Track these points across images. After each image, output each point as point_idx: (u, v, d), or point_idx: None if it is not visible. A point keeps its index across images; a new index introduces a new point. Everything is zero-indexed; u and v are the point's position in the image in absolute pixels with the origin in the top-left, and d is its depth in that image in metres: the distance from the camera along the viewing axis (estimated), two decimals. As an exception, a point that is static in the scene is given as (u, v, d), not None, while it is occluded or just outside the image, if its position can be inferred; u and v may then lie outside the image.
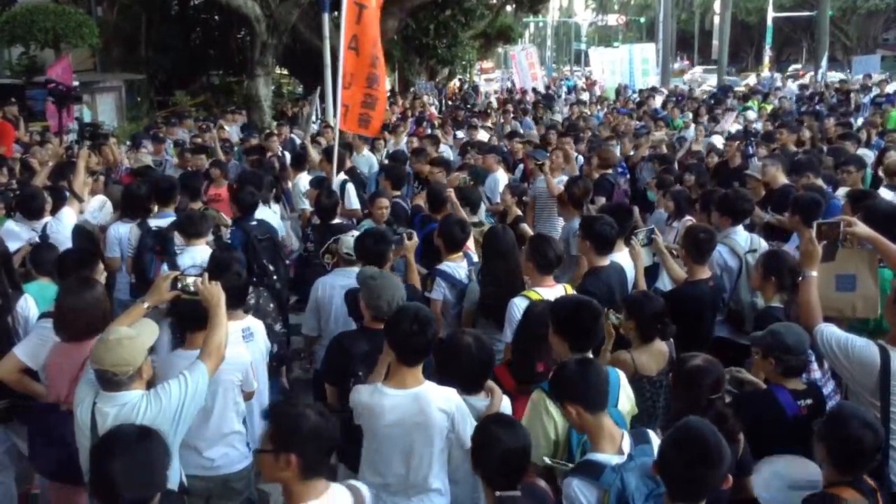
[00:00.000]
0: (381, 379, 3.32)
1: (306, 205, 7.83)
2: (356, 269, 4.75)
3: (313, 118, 13.47)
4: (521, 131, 13.40)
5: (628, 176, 9.86)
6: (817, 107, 17.22)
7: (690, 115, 15.86)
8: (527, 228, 6.68)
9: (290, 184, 9.19)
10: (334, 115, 9.01)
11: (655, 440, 2.98)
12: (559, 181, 7.54)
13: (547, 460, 3.19)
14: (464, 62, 34.62)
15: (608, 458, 2.83)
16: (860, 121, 13.68)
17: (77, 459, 3.19)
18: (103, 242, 6.15)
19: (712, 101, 18.48)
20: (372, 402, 3.23)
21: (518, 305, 4.25)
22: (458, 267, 5.12)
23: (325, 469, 2.66)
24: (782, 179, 7.02)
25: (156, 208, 6.18)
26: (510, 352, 4.20)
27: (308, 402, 2.99)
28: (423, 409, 3.20)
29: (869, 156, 9.04)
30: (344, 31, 7.79)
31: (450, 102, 27.08)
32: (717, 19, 46.33)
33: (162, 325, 3.70)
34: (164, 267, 5.41)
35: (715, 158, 9.29)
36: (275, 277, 5.89)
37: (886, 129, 12.45)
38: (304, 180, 8.32)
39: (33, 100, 14.97)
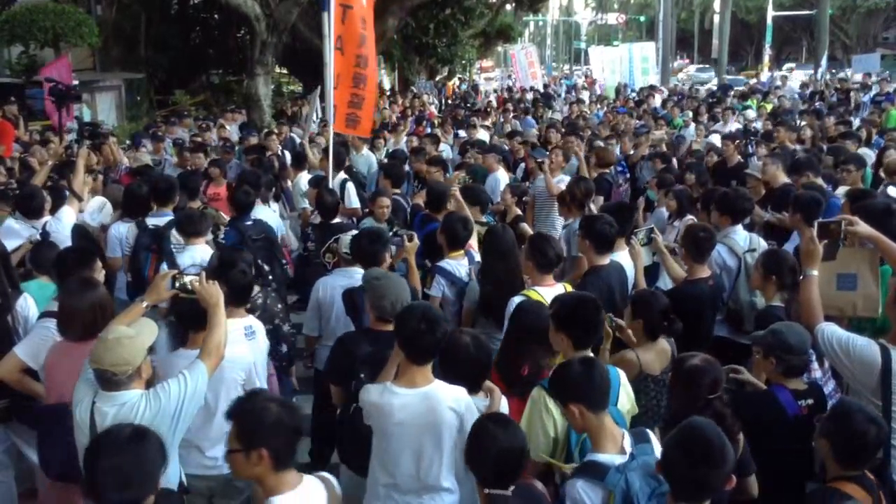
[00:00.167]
0: (391, 378, 3.31)
1: (306, 204, 7.83)
2: (356, 269, 4.76)
3: (313, 117, 13.44)
4: (522, 130, 13.40)
5: (628, 175, 9.86)
6: (817, 105, 17.20)
7: (690, 114, 15.86)
8: (526, 228, 6.67)
9: (289, 183, 9.19)
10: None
11: (655, 439, 2.99)
12: (559, 180, 7.55)
13: (545, 457, 3.19)
14: (463, 61, 34.61)
15: (611, 458, 2.83)
16: (857, 121, 13.66)
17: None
18: (104, 242, 6.15)
19: (712, 100, 18.47)
20: (381, 401, 3.22)
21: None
22: (458, 265, 5.11)
23: (294, 460, 2.68)
24: (782, 178, 7.02)
25: (155, 207, 6.18)
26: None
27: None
28: (433, 408, 3.19)
29: (870, 155, 9.03)
30: (332, 32, 7.81)
31: (449, 102, 27.07)
32: (716, 18, 46.35)
33: (160, 324, 3.69)
34: (164, 266, 5.41)
35: (715, 157, 9.29)
36: (270, 277, 5.89)
37: (886, 127, 12.44)
38: (304, 179, 8.32)
39: (33, 99, 14.95)
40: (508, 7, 34.03)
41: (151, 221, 5.94)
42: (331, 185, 7.63)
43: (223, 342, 3.39)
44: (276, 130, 12.48)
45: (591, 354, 3.45)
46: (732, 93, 20.66)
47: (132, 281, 5.85)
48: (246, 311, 4.27)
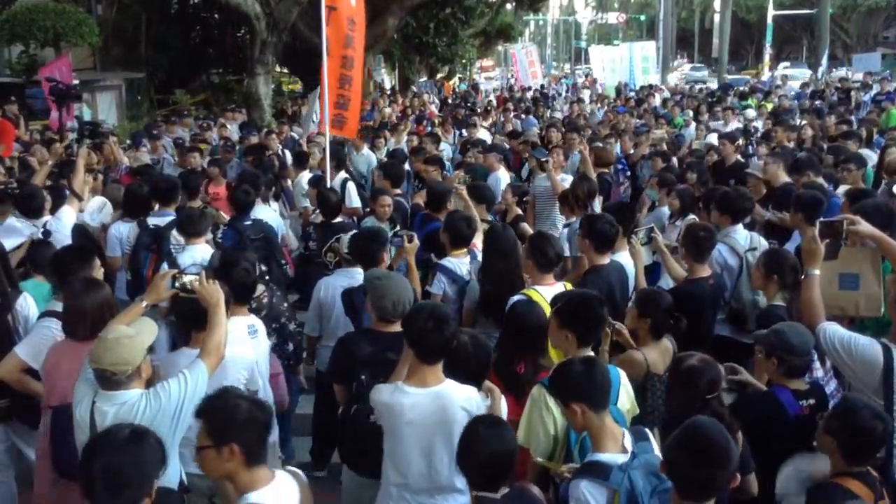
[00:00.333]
0: (403, 378, 3.30)
1: (307, 203, 7.82)
2: (357, 269, 4.76)
3: (312, 117, 13.43)
4: (522, 129, 13.39)
5: (629, 173, 9.85)
6: (817, 103, 17.19)
7: (691, 114, 15.85)
8: (527, 227, 6.67)
9: (289, 182, 9.19)
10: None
11: (653, 438, 2.99)
12: (562, 179, 7.54)
13: (540, 460, 3.18)
14: (464, 60, 34.62)
15: (613, 457, 2.83)
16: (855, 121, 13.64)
17: None
18: (104, 241, 6.14)
19: (712, 100, 18.46)
20: (392, 400, 3.22)
21: (518, 304, 4.23)
22: (460, 262, 5.11)
23: (266, 457, 2.68)
24: (783, 177, 7.01)
25: (156, 207, 6.18)
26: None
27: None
28: (444, 408, 3.18)
29: (870, 155, 9.00)
30: (324, 33, 7.84)
31: (449, 101, 27.07)
32: (717, 17, 46.37)
33: (160, 324, 3.69)
34: (164, 265, 5.40)
35: (715, 157, 9.28)
36: (267, 277, 5.89)
37: (886, 127, 12.42)
38: (306, 179, 8.33)
39: (33, 98, 14.95)
40: (509, 6, 34.03)
41: (153, 221, 5.94)
42: (331, 185, 7.63)
43: (223, 342, 3.38)
44: (276, 130, 12.48)
45: (592, 354, 3.45)
46: (732, 92, 20.65)
47: (132, 280, 5.85)
48: (251, 310, 4.28)
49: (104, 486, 2.40)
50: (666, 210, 6.85)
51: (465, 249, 5.18)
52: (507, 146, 10.99)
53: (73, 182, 6.15)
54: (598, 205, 7.01)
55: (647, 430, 3.08)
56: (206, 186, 8.12)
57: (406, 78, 30.66)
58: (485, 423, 2.89)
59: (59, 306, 3.98)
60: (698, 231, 4.89)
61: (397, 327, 3.74)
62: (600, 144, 9.60)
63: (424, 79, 33.74)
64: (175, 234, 5.66)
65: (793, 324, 3.64)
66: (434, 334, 3.17)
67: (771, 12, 41.52)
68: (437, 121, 16.69)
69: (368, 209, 7.31)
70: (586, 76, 37.93)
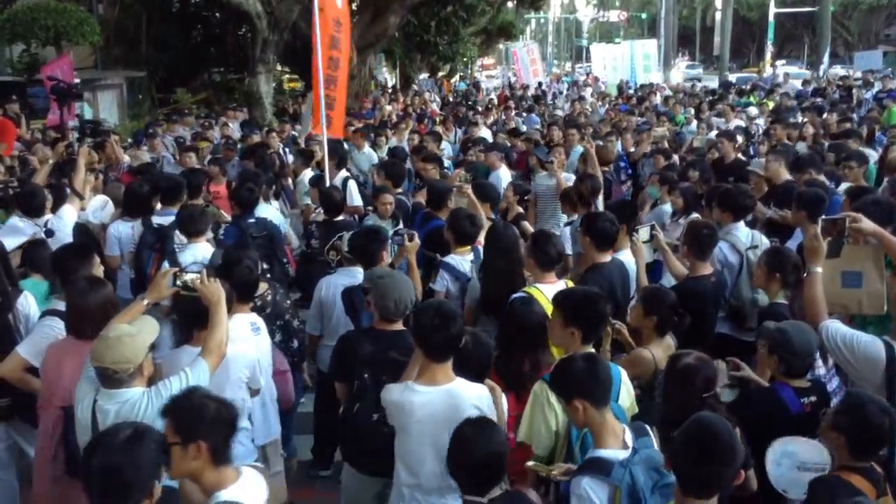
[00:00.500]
0: (413, 377, 3.29)
1: (309, 200, 7.82)
2: (358, 268, 4.76)
3: (311, 116, 13.43)
4: (524, 128, 13.38)
5: (630, 171, 9.84)
6: (818, 101, 17.16)
7: (692, 111, 15.83)
8: (528, 226, 6.66)
9: (289, 181, 9.18)
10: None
11: (653, 434, 2.99)
12: (564, 178, 7.54)
13: (529, 464, 3.17)
14: (465, 59, 34.57)
15: (614, 453, 2.83)
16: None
17: None
18: (103, 240, 6.14)
19: (713, 98, 18.44)
20: (402, 399, 3.22)
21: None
22: (463, 260, 5.10)
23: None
24: (785, 175, 7.00)
25: (159, 206, 6.18)
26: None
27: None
28: (455, 406, 3.18)
29: (872, 154, 8.98)
30: (319, 33, 7.84)
31: (450, 99, 27.05)
32: (718, 15, 46.32)
33: (162, 322, 3.68)
34: (166, 264, 5.40)
35: (716, 154, 9.27)
36: (268, 276, 5.89)
37: (887, 125, 12.40)
38: (308, 176, 8.34)
39: (35, 97, 14.95)
40: (510, 4, 33.98)
41: (157, 220, 5.95)
42: (333, 183, 7.62)
43: (225, 340, 3.38)
44: (277, 128, 12.46)
45: (594, 351, 3.45)
46: (733, 90, 20.63)
47: (135, 279, 5.85)
48: (255, 308, 4.27)
49: (104, 486, 2.40)
50: (667, 208, 6.84)
51: (470, 247, 5.17)
52: (509, 144, 10.98)
53: (74, 181, 6.15)
54: (600, 203, 7.00)
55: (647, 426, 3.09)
56: (207, 185, 8.12)
57: (407, 76, 30.63)
58: (472, 425, 2.88)
59: (61, 305, 3.98)
60: (701, 228, 4.89)
61: (399, 326, 3.74)
62: (601, 142, 9.60)
63: (425, 76, 33.71)
64: (177, 233, 5.66)
65: (798, 323, 3.63)
66: (441, 331, 3.17)
67: (772, 10, 41.51)
68: (438, 119, 16.68)
69: (370, 207, 7.31)
70: (587, 74, 37.89)
